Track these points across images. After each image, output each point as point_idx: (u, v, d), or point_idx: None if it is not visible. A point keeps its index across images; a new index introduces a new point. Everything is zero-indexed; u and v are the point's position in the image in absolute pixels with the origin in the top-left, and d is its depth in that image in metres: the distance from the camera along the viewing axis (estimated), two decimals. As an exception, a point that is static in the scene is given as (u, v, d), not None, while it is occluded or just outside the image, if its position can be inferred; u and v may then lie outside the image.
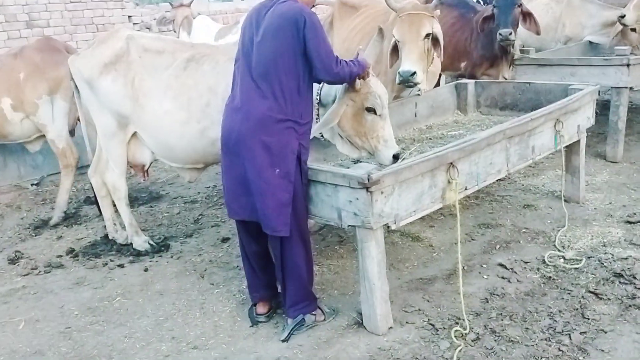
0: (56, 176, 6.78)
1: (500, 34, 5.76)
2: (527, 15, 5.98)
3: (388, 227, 3.24)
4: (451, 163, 3.45)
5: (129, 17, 8.79)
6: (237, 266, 4.26)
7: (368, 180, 3.01)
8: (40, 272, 4.53)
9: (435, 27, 4.37)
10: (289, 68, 3.17)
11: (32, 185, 6.65)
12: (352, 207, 3.15)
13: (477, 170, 3.72)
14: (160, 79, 4.16)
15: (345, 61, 3.30)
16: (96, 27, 8.36)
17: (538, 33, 6.15)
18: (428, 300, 3.67)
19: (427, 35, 4.33)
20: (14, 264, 4.70)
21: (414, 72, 4.16)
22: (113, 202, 4.77)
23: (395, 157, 3.54)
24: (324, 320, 3.51)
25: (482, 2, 8.40)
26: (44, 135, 5.74)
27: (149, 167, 4.63)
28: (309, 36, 3.13)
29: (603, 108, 6.65)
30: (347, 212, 3.19)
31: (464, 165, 3.57)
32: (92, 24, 8.41)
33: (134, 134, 4.40)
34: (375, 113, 3.54)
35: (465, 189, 3.67)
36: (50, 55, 5.49)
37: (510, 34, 5.73)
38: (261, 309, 3.60)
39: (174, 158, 4.35)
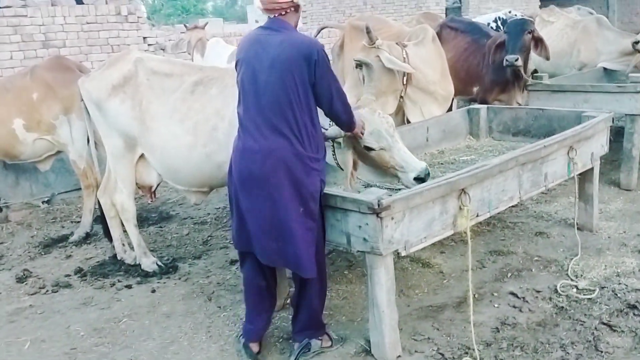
0: (67, 194, 6.83)
1: (507, 60, 5.82)
2: (538, 41, 6.00)
3: (398, 253, 3.19)
4: (463, 189, 3.42)
5: (144, 38, 8.87)
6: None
7: (378, 205, 2.98)
8: (47, 291, 4.52)
9: (367, 58, 4.61)
10: (301, 102, 3.06)
11: (42, 202, 6.67)
12: (361, 232, 3.11)
13: (489, 197, 3.67)
14: (168, 102, 4.16)
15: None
16: (111, 48, 8.43)
17: (547, 58, 6.17)
18: (438, 329, 3.61)
19: (358, 65, 4.65)
20: (22, 283, 4.69)
21: None
22: (122, 222, 4.76)
23: (419, 179, 3.50)
24: (331, 346, 3.46)
25: (494, 28, 8.41)
26: (54, 155, 5.77)
27: (156, 188, 4.63)
28: (321, 73, 3.06)
29: (617, 135, 6.59)
30: (357, 238, 3.15)
31: (475, 191, 3.53)
32: (108, 44, 8.49)
33: (142, 156, 4.40)
34: (375, 149, 3.52)
35: (477, 216, 3.63)
36: (62, 74, 5.52)
37: (517, 60, 5.77)
38: (255, 348, 3.45)
39: (180, 181, 4.34)
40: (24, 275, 4.79)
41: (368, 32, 4.73)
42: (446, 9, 16.66)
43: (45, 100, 5.44)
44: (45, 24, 7.88)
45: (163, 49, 8.98)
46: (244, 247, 3.33)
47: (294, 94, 3.04)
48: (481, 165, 3.63)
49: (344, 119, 3.27)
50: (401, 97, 5.00)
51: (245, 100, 3.17)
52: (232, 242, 4.92)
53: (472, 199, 3.46)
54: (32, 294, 4.49)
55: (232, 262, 4.76)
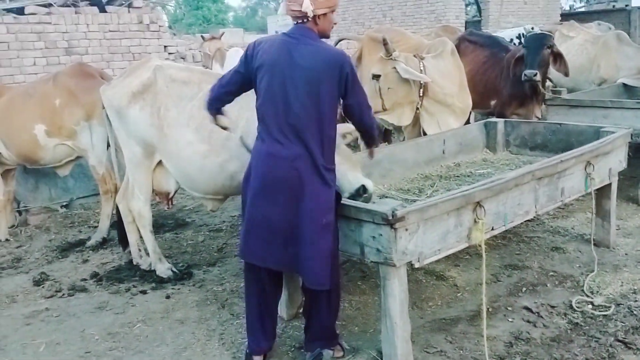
0: (85, 199, 6.91)
1: (525, 75, 5.83)
2: (557, 56, 5.99)
3: (412, 265, 3.19)
4: (478, 202, 3.41)
5: (165, 47, 8.97)
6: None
7: (392, 216, 2.98)
8: (64, 294, 4.57)
9: (384, 69, 4.81)
10: (330, 114, 3.09)
11: (61, 207, 6.75)
12: (375, 243, 3.12)
13: (505, 211, 3.66)
14: (184, 109, 4.20)
15: None
16: (133, 56, 8.54)
17: (567, 75, 6.16)
18: (450, 342, 3.59)
19: (375, 77, 4.82)
20: (39, 286, 4.75)
21: None
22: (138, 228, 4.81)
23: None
24: (343, 356, 3.45)
25: (517, 44, 8.39)
26: (73, 160, 5.85)
27: (174, 195, 4.67)
28: (352, 86, 3.10)
29: (636, 151, 6.53)
30: (370, 248, 3.16)
31: (491, 205, 3.52)
32: (129, 52, 8.60)
33: (160, 163, 4.45)
34: None
35: (492, 229, 3.62)
36: (84, 80, 5.59)
37: (535, 75, 5.78)
38: None
39: (195, 188, 4.38)
40: (41, 278, 4.85)
41: (385, 43, 4.78)
42: (466, 22, 16.65)
43: (67, 107, 5.52)
44: (68, 31, 8.01)
45: (183, 58, 9.07)
46: (250, 257, 3.28)
47: (323, 106, 3.05)
48: (497, 178, 3.62)
49: (372, 132, 3.43)
50: (417, 108, 5.04)
51: (273, 106, 3.09)
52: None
53: (487, 212, 3.45)
54: (48, 297, 4.54)
55: (246, 270, 4.78)
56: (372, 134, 3.52)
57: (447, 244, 3.33)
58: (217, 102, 3.42)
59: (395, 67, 4.82)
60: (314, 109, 3.04)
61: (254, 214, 3.19)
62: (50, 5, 7.91)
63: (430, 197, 4.10)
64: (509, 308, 3.95)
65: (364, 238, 3.19)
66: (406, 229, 3.07)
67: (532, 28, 7.33)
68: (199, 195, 4.46)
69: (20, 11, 7.77)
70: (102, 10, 8.40)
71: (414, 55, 5.04)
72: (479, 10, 18.00)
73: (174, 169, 4.38)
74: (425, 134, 5.15)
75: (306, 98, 3.04)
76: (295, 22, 3.15)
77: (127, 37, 8.61)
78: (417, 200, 3.87)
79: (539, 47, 5.86)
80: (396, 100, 4.93)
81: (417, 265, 3.20)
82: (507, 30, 9.97)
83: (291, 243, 3.13)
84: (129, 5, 8.63)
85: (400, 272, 3.15)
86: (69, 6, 8.07)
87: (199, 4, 41.28)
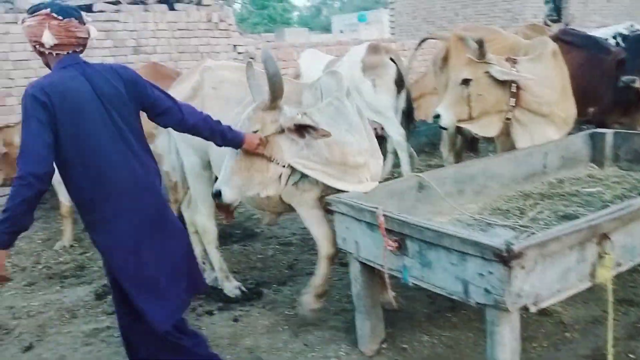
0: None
1: (622, 81, 5.20)
2: None
3: (526, 308, 2.68)
4: (604, 234, 2.86)
5: (234, 46, 8.69)
6: (334, 326, 3.82)
7: (507, 252, 2.48)
8: (126, 312, 4.27)
9: (475, 74, 4.33)
10: None
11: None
12: (483, 281, 2.62)
13: (633, 243, 3.09)
14: (231, 113, 3.77)
15: None
16: (201, 55, 8.28)
17: None
18: (563, 394, 3.07)
19: (465, 81, 4.33)
20: (101, 300, 4.49)
21: (438, 115, 4.35)
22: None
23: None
24: None
25: (617, 42, 7.63)
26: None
27: (234, 208, 4.31)
28: None
29: None
30: (477, 287, 2.66)
31: (619, 236, 2.95)
32: (197, 52, 8.35)
33: None
34: None
35: (619, 265, 3.05)
36: (162, 81, 5.28)
37: (634, 81, 5.14)
38: None
39: (249, 200, 4.00)
40: (104, 292, 4.58)
41: (481, 45, 4.28)
42: (551, 21, 15.77)
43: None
44: (137, 29, 7.82)
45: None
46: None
47: None
48: (626, 205, 3.05)
49: None
50: (508, 119, 4.50)
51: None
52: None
53: (615, 245, 2.90)
54: (110, 314, 4.25)
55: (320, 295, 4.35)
56: None
57: (568, 283, 2.79)
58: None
59: (488, 71, 4.31)
60: None
61: None
62: (118, 2, 7.75)
63: (534, 220, 3.60)
64: (631, 355, 3.37)
65: (468, 275, 2.69)
66: (522, 267, 2.55)
67: (632, 25, 6.63)
68: (252, 206, 4.11)
69: (88, 8, 7.61)
70: (171, 8, 8.19)
71: (506, 59, 4.49)
72: (556, 8, 17.00)
73: None
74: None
75: None
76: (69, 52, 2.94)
77: (196, 36, 8.37)
78: (521, 227, 3.37)
79: None
80: (485, 108, 4.42)
81: (532, 309, 2.68)
82: (602, 29, 9.16)
83: None
84: (198, 3, 8.39)
85: (512, 317, 2.64)
86: (137, 4, 7.90)
87: (264, 3, 41.51)
